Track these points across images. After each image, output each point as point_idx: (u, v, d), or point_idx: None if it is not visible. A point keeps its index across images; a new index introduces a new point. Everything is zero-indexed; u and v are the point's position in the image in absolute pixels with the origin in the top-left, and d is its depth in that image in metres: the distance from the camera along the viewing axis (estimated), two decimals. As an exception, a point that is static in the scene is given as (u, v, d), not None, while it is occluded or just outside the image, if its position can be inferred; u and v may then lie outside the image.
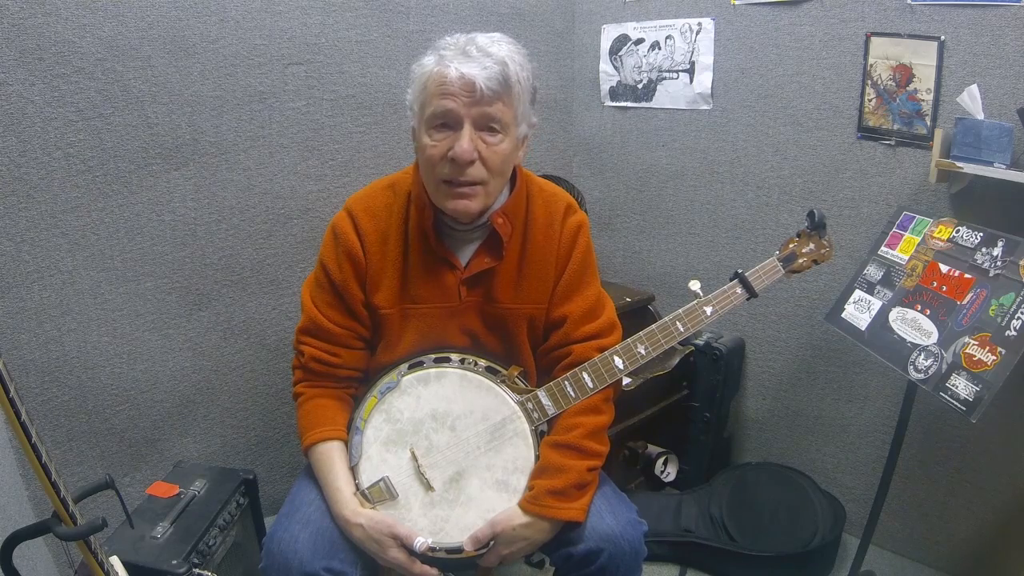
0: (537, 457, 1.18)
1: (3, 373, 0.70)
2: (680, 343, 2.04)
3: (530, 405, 1.20)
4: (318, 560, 1.06)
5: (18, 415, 0.72)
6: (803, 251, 1.38)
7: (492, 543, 1.13)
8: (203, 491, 1.47)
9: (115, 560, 1.13)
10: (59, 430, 1.59)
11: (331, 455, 1.18)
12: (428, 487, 1.16)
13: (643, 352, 1.23)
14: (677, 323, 1.25)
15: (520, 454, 1.18)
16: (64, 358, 1.56)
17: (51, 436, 1.57)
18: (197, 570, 1.29)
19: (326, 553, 1.08)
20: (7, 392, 0.70)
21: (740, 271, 1.31)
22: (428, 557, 1.13)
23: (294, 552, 1.07)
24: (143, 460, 1.74)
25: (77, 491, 0.90)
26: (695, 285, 1.28)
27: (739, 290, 1.30)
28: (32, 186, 1.45)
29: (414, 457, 1.18)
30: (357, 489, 1.16)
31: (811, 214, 1.39)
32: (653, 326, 1.25)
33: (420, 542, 1.11)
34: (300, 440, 1.23)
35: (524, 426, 1.19)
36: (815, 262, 1.39)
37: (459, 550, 1.13)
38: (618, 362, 1.22)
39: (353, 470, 1.18)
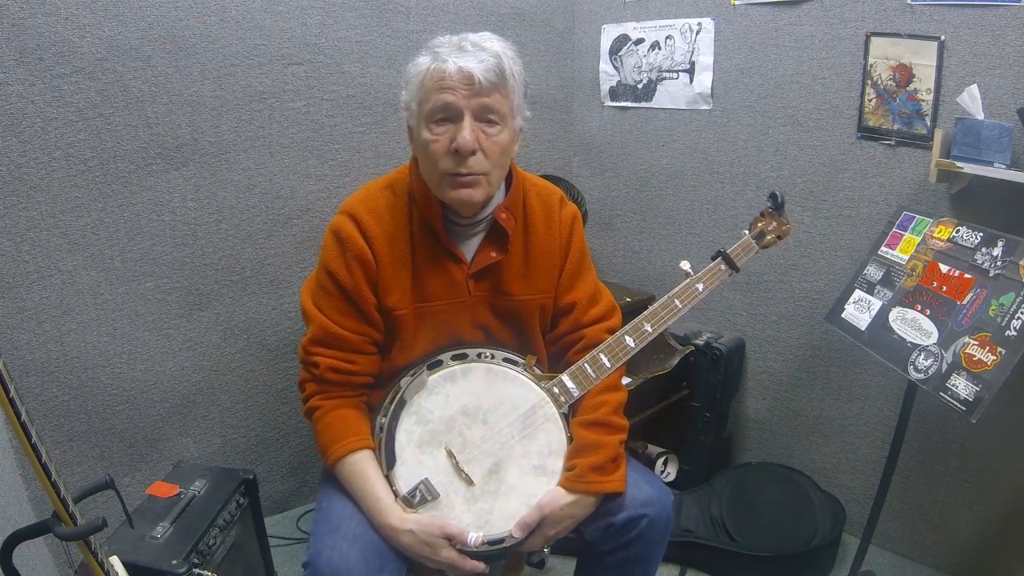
0: (569, 438, 1.21)
1: (3, 373, 0.70)
2: (680, 343, 2.06)
3: (556, 390, 1.24)
4: (371, 574, 1.06)
5: (18, 415, 0.72)
6: (769, 229, 1.48)
7: (536, 526, 1.15)
8: (203, 491, 1.47)
9: (115, 560, 1.13)
10: (59, 430, 1.59)
11: (363, 466, 1.16)
12: (469, 482, 1.17)
13: (649, 330, 1.30)
14: (675, 300, 1.33)
15: (553, 438, 1.21)
16: (64, 358, 1.56)
17: (51, 436, 1.57)
18: (197, 570, 1.29)
19: (377, 566, 1.08)
20: (7, 392, 0.70)
21: (722, 249, 1.41)
22: (475, 551, 1.13)
23: (347, 570, 1.05)
24: (143, 460, 1.74)
25: (77, 491, 0.90)
26: (685, 265, 1.38)
27: (723, 266, 1.40)
28: (32, 186, 1.45)
29: (450, 455, 1.18)
30: (396, 496, 1.14)
31: (773, 195, 1.50)
32: (655, 305, 1.33)
33: (474, 537, 1.11)
34: (324, 455, 1.19)
35: (553, 410, 1.22)
36: (779, 238, 1.50)
37: (503, 539, 1.14)
38: (629, 340, 1.29)
39: (388, 477, 1.16)
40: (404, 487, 1.15)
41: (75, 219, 1.52)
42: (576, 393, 1.24)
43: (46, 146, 1.45)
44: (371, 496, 1.13)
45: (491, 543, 1.13)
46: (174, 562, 1.25)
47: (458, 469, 1.17)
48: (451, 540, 1.11)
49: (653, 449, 2.09)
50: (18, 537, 0.88)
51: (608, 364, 1.26)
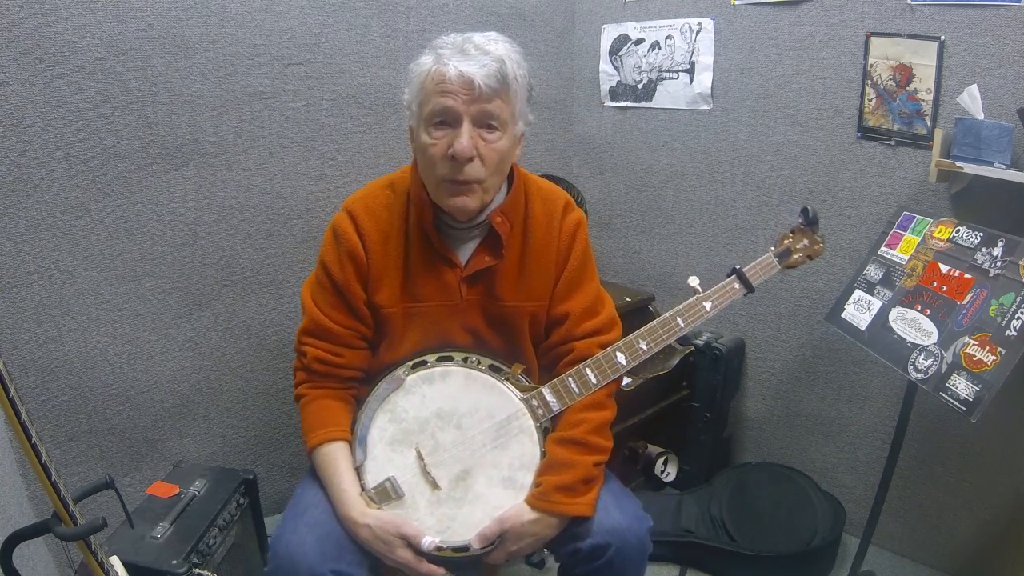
0: (543, 454, 1.18)
1: (3, 373, 0.70)
2: (680, 343, 2.06)
3: (535, 402, 1.20)
4: (326, 563, 1.06)
5: (18, 415, 0.73)
6: (797, 247, 1.41)
7: (499, 540, 1.13)
8: (203, 491, 1.47)
9: (115, 560, 1.13)
10: (59, 430, 1.59)
11: (335, 456, 1.18)
12: (434, 486, 1.16)
13: (644, 348, 1.24)
14: (678, 318, 1.26)
15: (526, 451, 1.18)
16: (64, 358, 1.56)
17: (51, 436, 1.57)
18: (197, 570, 1.29)
19: (334, 556, 1.08)
20: (7, 392, 0.70)
21: (738, 267, 1.33)
22: (435, 556, 1.12)
23: (302, 555, 1.06)
24: (143, 460, 1.74)
25: (77, 491, 0.90)
26: (694, 281, 1.30)
27: (737, 285, 1.32)
28: (32, 186, 1.45)
29: (420, 456, 1.18)
30: (363, 490, 1.15)
31: (805, 211, 1.42)
32: (654, 322, 1.26)
33: (428, 541, 1.11)
34: (304, 441, 1.22)
35: (529, 423, 1.19)
36: (809, 257, 1.42)
37: (466, 548, 1.13)
38: (620, 358, 1.23)
39: (358, 470, 1.17)
40: (371, 482, 1.16)
41: (75, 219, 1.52)
42: (556, 407, 1.20)
43: (46, 146, 1.45)
44: (337, 487, 1.15)
45: (453, 550, 1.13)
46: (174, 562, 1.25)
47: (425, 471, 1.17)
48: (407, 540, 1.10)
49: (653, 449, 2.09)
50: (18, 537, 0.88)
51: (594, 380, 1.21)
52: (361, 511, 1.12)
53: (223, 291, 1.78)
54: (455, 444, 1.18)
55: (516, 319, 1.27)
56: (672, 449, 2.09)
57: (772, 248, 1.39)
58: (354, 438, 1.20)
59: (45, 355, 1.54)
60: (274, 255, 1.84)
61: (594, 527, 1.13)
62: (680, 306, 1.27)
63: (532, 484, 1.16)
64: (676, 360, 2.04)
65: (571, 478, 1.13)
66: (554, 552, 1.20)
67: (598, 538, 1.12)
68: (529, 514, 1.12)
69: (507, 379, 1.22)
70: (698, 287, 1.29)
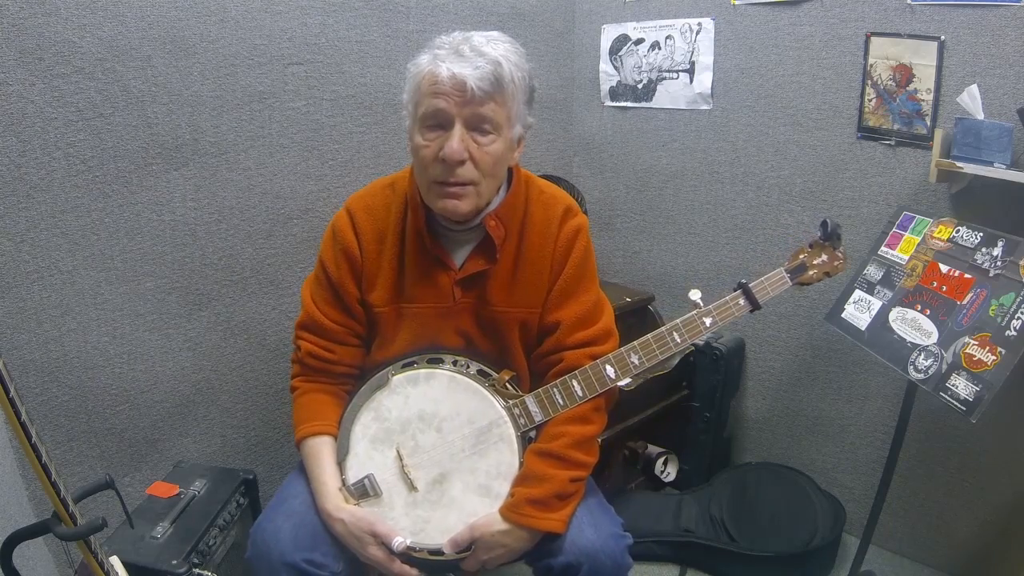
0: (521, 464, 1.16)
1: (3, 373, 0.70)
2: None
3: (517, 411, 1.18)
4: (299, 552, 1.08)
5: (18, 415, 0.72)
6: (814, 263, 1.34)
7: (472, 548, 1.13)
8: (203, 491, 1.47)
9: (115, 560, 1.13)
10: (59, 430, 1.58)
11: (319, 449, 1.19)
12: (412, 487, 1.16)
13: (636, 362, 1.20)
14: (674, 334, 1.22)
15: (504, 460, 1.17)
16: (64, 358, 1.56)
17: (51, 436, 1.57)
18: (197, 570, 1.29)
19: (307, 545, 1.09)
20: (7, 392, 0.70)
21: (744, 282, 1.27)
22: (409, 557, 1.13)
23: (276, 542, 1.08)
24: (143, 460, 1.73)
25: (77, 491, 0.90)
26: (695, 295, 1.24)
27: (742, 301, 1.25)
28: (32, 186, 1.45)
29: (399, 456, 1.18)
30: (343, 484, 1.17)
31: (824, 224, 1.34)
32: (648, 336, 1.22)
33: (398, 541, 1.11)
34: (294, 433, 1.25)
35: (510, 431, 1.18)
36: (827, 274, 1.34)
37: (441, 552, 1.13)
38: (609, 371, 1.19)
39: (340, 465, 1.18)
40: (351, 478, 1.17)
41: (75, 219, 1.52)
42: (538, 417, 1.18)
43: (46, 146, 1.45)
44: (318, 480, 1.16)
45: (428, 552, 1.13)
46: (174, 562, 1.25)
47: (404, 472, 1.17)
48: (379, 539, 1.11)
49: (653, 449, 2.09)
50: (18, 537, 0.88)
51: (580, 392, 1.18)
52: (336, 505, 1.13)
53: (223, 291, 1.78)
54: (434, 447, 1.18)
55: (506, 325, 1.25)
56: (672, 449, 2.09)
57: (784, 263, 1.32)
58: (339, 433, 1.21)
59: (45, 355, 1.54)
60: (274, 255, 1.84)
61: (565, 545, 1.11)
62: (678, 320, 1.23)
63: (507, 494, 1.14)
64: (676, 360, 2.04)
65: (544, 492, 1.10)
66: (531, 566, 1.19)
67: (569, 557, 1.10)
68: (500, 524, 1.11)
69: (492, 385, 1.20)
70: (699, 301, 1.23)
